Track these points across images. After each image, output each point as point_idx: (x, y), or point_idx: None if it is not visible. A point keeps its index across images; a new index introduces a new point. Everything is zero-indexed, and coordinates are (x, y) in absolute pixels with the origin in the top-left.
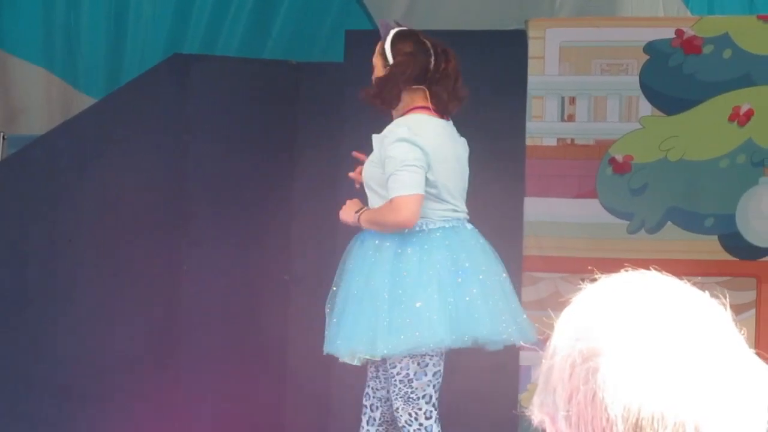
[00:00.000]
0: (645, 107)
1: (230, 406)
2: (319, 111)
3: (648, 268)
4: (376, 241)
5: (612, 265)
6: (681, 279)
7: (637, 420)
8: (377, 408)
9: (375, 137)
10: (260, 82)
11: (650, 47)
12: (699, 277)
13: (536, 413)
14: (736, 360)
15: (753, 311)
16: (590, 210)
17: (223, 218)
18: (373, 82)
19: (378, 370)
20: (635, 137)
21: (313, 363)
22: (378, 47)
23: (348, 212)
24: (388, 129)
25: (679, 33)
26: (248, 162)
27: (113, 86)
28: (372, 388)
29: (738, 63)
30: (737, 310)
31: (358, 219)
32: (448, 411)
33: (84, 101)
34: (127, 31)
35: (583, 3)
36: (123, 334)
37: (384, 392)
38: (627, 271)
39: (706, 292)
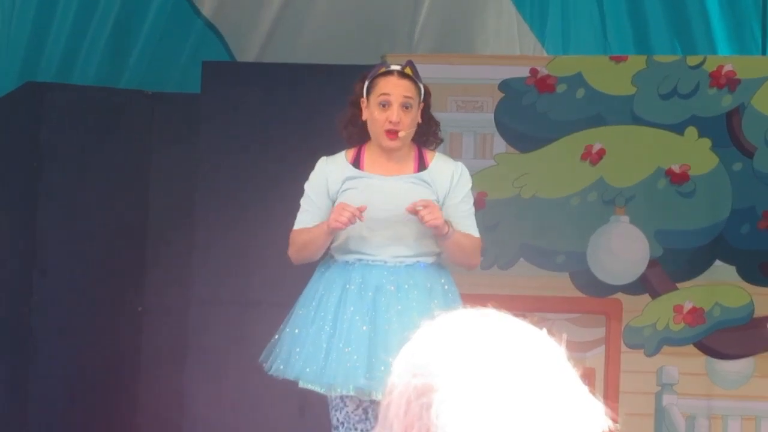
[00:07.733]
0: (499, 144)
1: None
2: (174, 142)
3: (500, 304)
4: (428, 284)
5: (464, 300)
6: (527, 315)
7: None
8: None
9: (431, 172)
10: (115, 111)
11: (505, 85)
12: (550, 314)
13: None
14: (567, 397)
15: (602, 348)
16: None
17: (75, 248)
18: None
19: (368, 412)
20: (489, 174)
21: (166, 392)
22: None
23: (440, 216)
24: (453, 163)
25: (534, 72)
26: (102, 192)
27: None
28: (361, 431)
29: (590, 102)
30: (587, 347)
31: (450, 231)
32: None
33: None
34: None
35: (440, 39)
36: None
37: None
38: (468, 308)
39: (545, 329)
